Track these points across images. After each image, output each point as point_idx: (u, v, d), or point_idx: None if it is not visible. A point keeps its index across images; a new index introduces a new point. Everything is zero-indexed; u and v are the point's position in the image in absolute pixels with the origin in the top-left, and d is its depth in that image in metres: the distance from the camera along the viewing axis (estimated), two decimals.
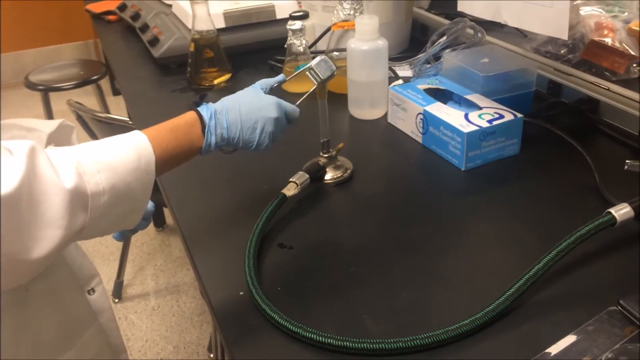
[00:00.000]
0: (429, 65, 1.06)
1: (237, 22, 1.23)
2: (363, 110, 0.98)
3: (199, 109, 0.66)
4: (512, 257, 0.66)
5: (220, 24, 1.21)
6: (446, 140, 0.83)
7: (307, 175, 0.77)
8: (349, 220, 0.74)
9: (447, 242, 0.68)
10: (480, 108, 0.85)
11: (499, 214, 0.73)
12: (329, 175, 0.81)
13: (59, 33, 3.52)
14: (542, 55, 1.09)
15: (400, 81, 1.08)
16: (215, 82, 1.15)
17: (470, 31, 1.05)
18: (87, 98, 2.45)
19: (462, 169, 0.81)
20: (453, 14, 1.34)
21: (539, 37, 1.12)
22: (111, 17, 1.59)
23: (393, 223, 0.72)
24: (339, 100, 1.02)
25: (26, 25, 3.39)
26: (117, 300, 1.92)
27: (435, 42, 1.09)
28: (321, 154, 0.81)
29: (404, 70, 1.12)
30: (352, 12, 1.02)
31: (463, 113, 0.83)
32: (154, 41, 1.23)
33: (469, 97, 0.89)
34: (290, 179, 0.76)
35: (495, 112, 0.83)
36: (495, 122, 0.81)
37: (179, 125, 0.63)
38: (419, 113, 0.87)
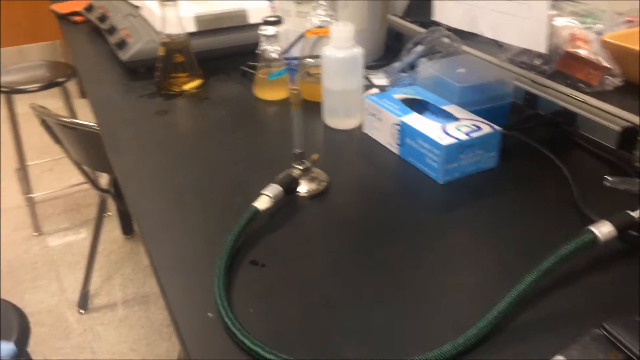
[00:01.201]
0: (404, 74, 1.05)
1: (209, 27, 1.20)
2: (338, 119, 0.95)
3: None
4: (491, 276, 0.64)
5: (191, 27, 1.17)
6: (423, 152, 0.81)
7: (281, 188, 0.74)
8: (324, 236, 0.71)
9: (424, 259, 0.66)
10: (458, 119, 0.83)
11: (477, 230, 0.71)
12: (303, 188, 0.78)
13: (25, 33, 3.43)
14: (517, 65, 1.08)
15: (375, 90, 1.06)
16: (185, 87, 1.11)
17: (446, 40, 1.04)
18: (53, 100, 2.37)
19: (440, 182, 0.79)
20: (428, 22, 1.33)
21: (513, 47, 1.11)
22: (77, 18, 1.54)
23: (369, 239, 0.70)
24: (313, 108, 0.99)
25: None
26: (83, 311, 1.86)
27: (410, 51, 1.08)
28: (295, 165, 0.78)
29: (380, 79, 1.10)
30: (327, 19, 0.99)
31: (440, 125, 0.81)
32: (122, 44, 1.19)
33: (445, 107, 0.87)
34: (263, 192, 0.73)
35: (473, 124, 0.81)
36: (473, 135, 0.79)
37: None
38: (396, 123, 0.85)
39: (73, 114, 2.23)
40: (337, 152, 0.89)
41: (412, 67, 1.07)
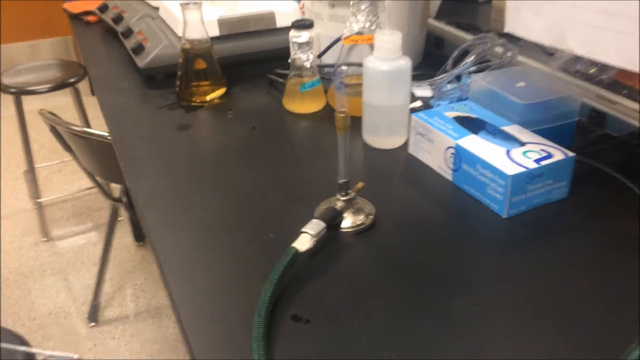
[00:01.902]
0: (451, 87, 0.94)
1: (233, 30, 1.10)
2: (380, 138, 0.85)
3: None
4: (576, 342, 0.54)
5: (214, 31, 1.07)
6: (484, 181, 0.70)
7: (323, 224, 0.64)
8: (375, 283, 0.61)
9: (492, 316, 0.56)
10: (523, 144, 0.73)
11: (551, 277, 0.61)
12: (347, 222, 0.68)
13: (36, 28, 3.35)
14: (571, 75, 0.97)
15: (418, 102, 0.96)
16: (208, 98, 1.01)
17: (499, 49, 0.93)
18: (64, 98, 2.29)
19: (504, 216, 0.69)
20: (465, 24, 1.23)
21: (566, 54, 1.01)
22: (91, 18, 1.44)
23: (427, 287, 0.60)
24: (355, 122, 0.89)
25: (1, 20, 3.21)
26: (93, 324, 1.78)
27: (458, 61, 0.97)
28: (338, 196, 0.68)
29: (422, 90, 0.99)
30: (367, 25, 0.89)
31: (504, 149, 0.71)
32: (139, 49, 1.09)
33: (506, 128, 0.76)
34: (303, 229, 0.63)
35: (542, 150, 0.71)
36: (543, 162, 0.69)
37: None
38: (450, 147, 0.75)
39: (83, 113, 2.14)
40: (381, 177, 0.78)
41: (458, 78, 0.96)
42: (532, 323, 0.55)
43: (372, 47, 0.94)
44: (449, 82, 0.97)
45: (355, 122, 0.90)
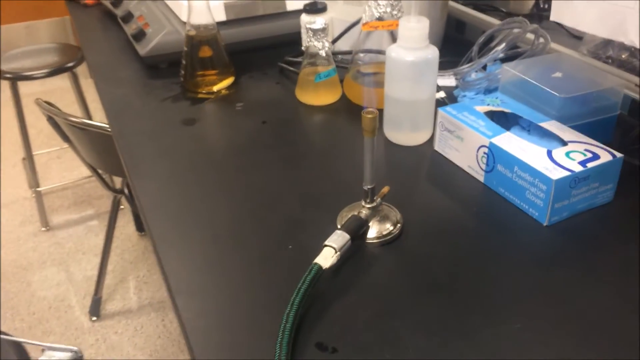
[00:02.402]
0: (476, 76, 0.87)
1: (241, 15, 1.03)
2: (402, 134, 0.79)
3: None
4: None
5: (221, 16, 1.00)
6: (522, 184, 0.64)
7: (348, 237, 0.57)
8: (406, 303, 0.55)
9: (542, 344, 0.50)
10: (565, 143, 0.66)
11: (605, 293, 0.54)
12: (373, 232, 0.62)
13: (32, 8, 3.26)
14: (602, 61, 0.90)
15: (441, 93, 0.89)
16: (215, 88, 0.94)
17: (530, 35, 0.86)
18: (62, 81, 2.21)
19: (544, 224, 0.63)
20: (483, 4, 1.15)
21: (597, 38, 0.94)
22: (88, 1, 1.37)
23: (464, 310, 0.53)
24: None
25: None
26: (95, 319, 1.72)
27: (483, 47, 0.90)
28: (363, 203, 0.62)
29: (444, 79, 0.92)
30: (389, 10, 0.82)
31: (545, 150, 0.64)
32: (140, 35, 1.02)
33: (545, 125, 0.70)
34: (327, 242, 0.57)
35: (586, 150, 0.65)
36: (589, 165, 0.62)
37: None
38: (483, 146, 0.68)
39: (82, 97, 2.06)
40: (405, 177, 0.72)
41: (483, 66, 0.89)
42: (591, 350, 0.49)
43: (391, 33, 0.88)
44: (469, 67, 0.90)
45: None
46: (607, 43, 0.95)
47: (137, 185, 0.71)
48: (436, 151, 0.77)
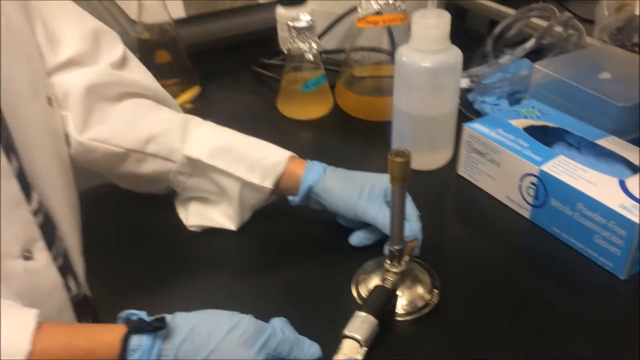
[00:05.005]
0: (495, 77, 0.72)
1: (203, 10, 0.85)
2: (417, 155, 0.63)
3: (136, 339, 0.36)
4: None
5: (179, 13, 0.82)
6: (588, 226, 0.49)
7: (375, 321, 0.42)
8: None
9: None
10: (638, 168, 0.52)
11: None
12: (402, 303, 0.46)
13: None
14: (628, 49, 0.76)
15: None
16: (178, 101, 0.77)
17: (559, 29, 0.71)
18: None
19: (622, 278, 0.48)
20: None
21: (611, 20, 0.80)
22: None
23: None
24: (366, 130, 0.68)
25: None
26: None
27: (497, 40, 0.75)
28: (388, 266, 0.46)
29: None
30: (390, 2, 0.66)
31: (615, 180, 0.50)
32: None
33: (601, 142, 0.55)
34: (347, 332, 0.41)
35: None
36: None
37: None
38: (529, 174, 0.53)
39: None
40: (428, 215, 0.54)
41: (495, 56, 0.74)
42: None
43: (389, 28, 0.72)
44: (489, 67, 0.74)
45: (374, 128, 0.68)
46: (625, 26, 0.81)
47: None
48: (461, 176, 0.62)
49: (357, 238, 0.52)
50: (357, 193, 0.50)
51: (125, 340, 0.35)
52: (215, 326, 0.37)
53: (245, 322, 0.38)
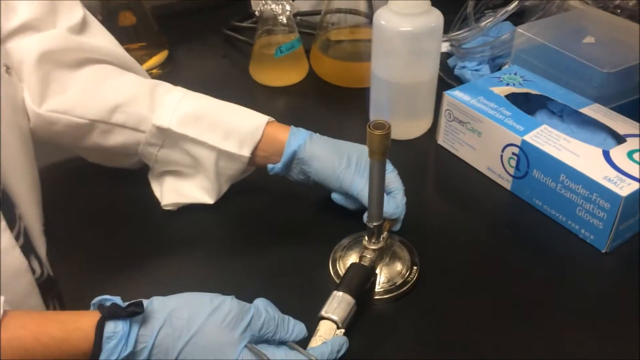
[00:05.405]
0: (476, 41, 0.69)
1: None
2: (395, 123, 0.60)
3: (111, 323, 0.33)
4: None
5: None
6: (571, 198, 0.48)
7: (352, 300, 0.40)
8: None
9: None
10: (622, 138, 0.50)
11: None
12: (381, 283, 0.45)
13: None
14: (610, 11, 0.74)
15: None
16: (143, 67, 0.73)
17: None
18: None
19: (603, 251, 0.47)
20: None
21: None
22: None
23: None
24: (342, 97, 0.66)
25: None
26: None
27: (479, 2, 0.72)
28: (366, 243, 0.44)
29: None
30: None
31: (599, 150, 0.48)
32: None
33: (586, 111, 0.53)
34: (324, 313, 0.39)
35: None
36: None
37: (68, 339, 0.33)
38: (511, 144, 0.51)
39: None
40: (407, 187, 0.53)
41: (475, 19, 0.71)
42: None
43: None
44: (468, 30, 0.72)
45: (352, 95, 0.66)
46: None
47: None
48: (441, 146, 0.60)
49: (340, 198, 0.49)
50: (345, 163, 0.47)
51: (100, 327, 0.33)
52: (196, 309, 0.35)
53: (227, 304, 0.36)
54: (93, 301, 0.35)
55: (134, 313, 0.33)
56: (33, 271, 0.40)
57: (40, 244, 0.44)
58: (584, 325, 0.42)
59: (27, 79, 0.46)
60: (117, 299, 0.34)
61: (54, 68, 0.47)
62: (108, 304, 0.34)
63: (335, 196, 0.49)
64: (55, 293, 0.44)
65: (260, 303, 0.38)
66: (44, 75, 0.47)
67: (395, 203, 0.46)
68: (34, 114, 0.47)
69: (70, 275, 0.45)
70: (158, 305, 0.35)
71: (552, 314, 0.43)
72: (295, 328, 0.38)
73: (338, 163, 0.47)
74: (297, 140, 0.47)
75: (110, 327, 0.33)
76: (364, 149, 0.48)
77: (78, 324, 0.33)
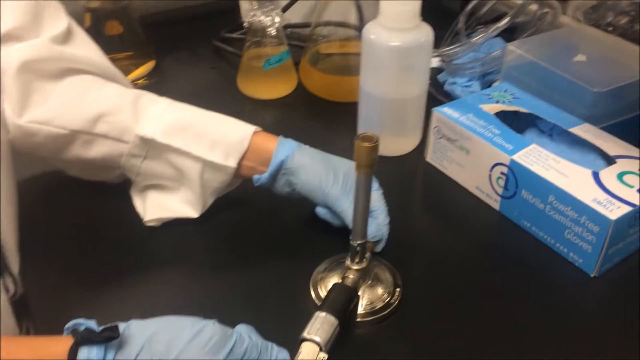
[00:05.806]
0: (467, 57, 0.69)
1: None
2: (382, 139, 0.60)
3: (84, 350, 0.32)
4: None
5: None
6: (560, 220, 0.47)
7: (335, 321, 0.39)
8: None
9: None
10: (612, 159, 0.49)
11: None
12: (364, 305, 0.44)
13: None
14: (602, 29, 0.74)
15: None
16: (130, 77, 0.72)
17: (534, 6, 0.68)
18: None
19: (592, 275, 0.46)
20: None
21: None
22: None
23: None
24: (330, 112, 0.65)
25: None
26: None
27: (470, 17, 0.72)
28: (349, 263, 0.43)
29: None
30: None
31: (588, 172, 0.47)
32: None
33: (576, 130, 0.53)
34: (306, 335, 0.38)
35: None
36: None
37: None
38: (500, 163, 0.51)
39: None
40: (393, 205, 0.51)
41: (467, 35, 0.71)
42: None
43: (357, 1, 0.68)
44: (460, 45, 0.71)
45: (341, 109, 0.65)
46: (600, 5, 0.79)
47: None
48: (429, 163, 0.59)
49: (324, 212, 0.48)
50: (332, 178, 0.46)
51: (72, 353, 0.31)
52: (177, 333, 0.34)
53: (210, 329, 0.34)
54: (67, 325, 0.33)
55: (110, 338, 0.32)
56: (7, 290, 0.39)
57: (14, 260, 0.42)
58: (571, 350, 0.41)
59: (8, 89, 0.45)
60: (92, 323, 0.33)
61: (35, 78, 0.46)
62: (82, 328, 0.32)
63: (319, 210, 0.48)
64: (29, 313, 0.43)
65: (243, 329, 0.37)
66: (25, 85, 0.46)
67: (376, 225, 0.45)
68: (13, 125, 0.45)
69: (45, 294, 0.44)
70: (136, 330, 0.33)
71: (540, 339, 0.42)
72: (278, 355, 0.37)
73: (325, 177, 0.46)
74: (285, 150, 0.47)
75: (84, 353, 0.31)
76: (352, 166, 0.47)
77: (50, 350, 0.32)
